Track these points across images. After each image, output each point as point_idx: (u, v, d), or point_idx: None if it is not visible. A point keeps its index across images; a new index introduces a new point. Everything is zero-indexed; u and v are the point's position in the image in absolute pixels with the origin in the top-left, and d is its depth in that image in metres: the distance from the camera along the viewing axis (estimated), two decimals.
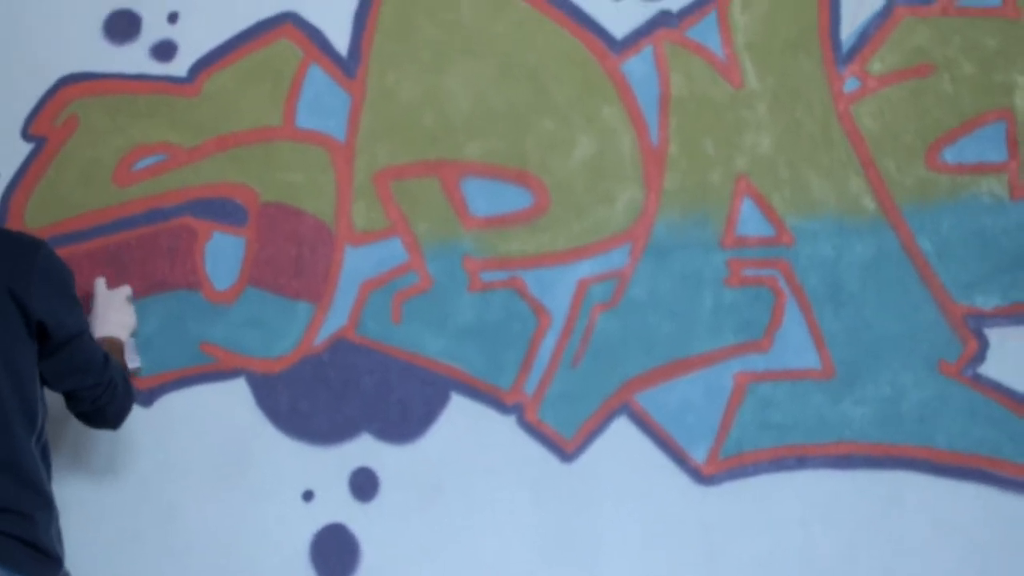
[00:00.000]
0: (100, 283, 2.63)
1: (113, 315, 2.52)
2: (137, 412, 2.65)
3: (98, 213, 2.75)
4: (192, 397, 2.68)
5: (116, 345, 2.51)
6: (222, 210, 2.72)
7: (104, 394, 2.36)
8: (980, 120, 2.70)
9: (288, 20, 2.72)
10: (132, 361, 2.62)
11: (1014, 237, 2.68)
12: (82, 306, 2.38)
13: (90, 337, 2.34)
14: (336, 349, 2.70)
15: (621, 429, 2.69)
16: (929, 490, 2.66)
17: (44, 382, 2.32)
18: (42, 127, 2.69)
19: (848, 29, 2.72)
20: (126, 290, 2.62)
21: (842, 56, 2.72)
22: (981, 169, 2.70)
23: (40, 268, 2.22)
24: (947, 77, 2.70)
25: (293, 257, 2.70)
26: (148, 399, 2.68)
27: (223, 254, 2.71)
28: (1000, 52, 2.70)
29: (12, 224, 2.67)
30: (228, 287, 2.70)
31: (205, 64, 2.73)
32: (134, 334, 2.62)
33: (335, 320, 2.70)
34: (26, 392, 2.20)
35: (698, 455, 2.68)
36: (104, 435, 2.60)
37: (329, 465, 2.68)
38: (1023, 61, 2.69)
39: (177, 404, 2.67)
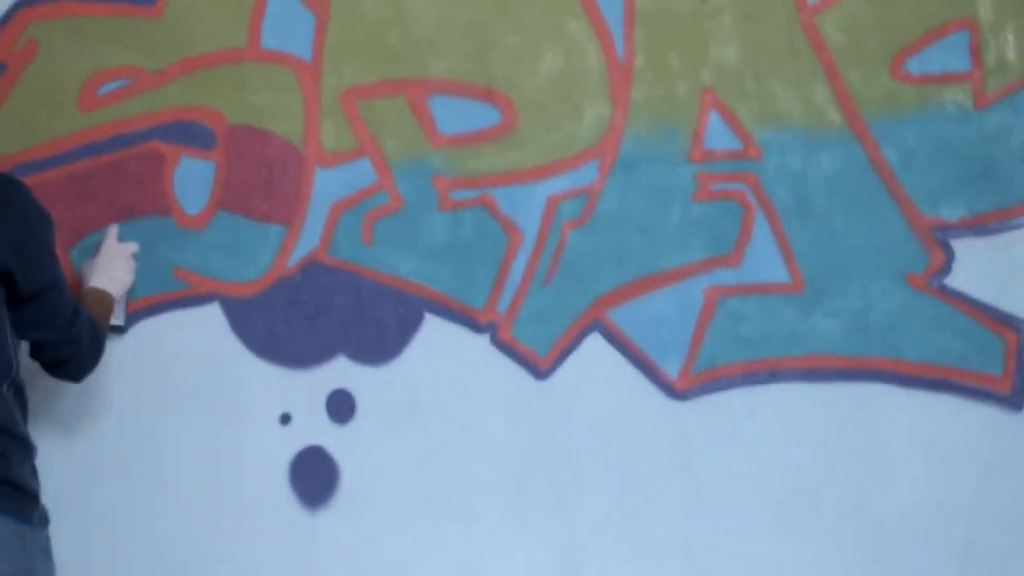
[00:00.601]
0: (111, 232, 2.62)
1: (115, 271, 2.54)
2: (112, 339, 2.69)
3: (63, 140, 2.76)
4: (166, 323, 2.69)
5: (105, 300, 2.50)
6: (189, 134, 2.73)
7: (65, 349, 2.34)
8: (943, 29, 2.73)
9: None
10: (117, 318, 2.63)
11: (978, 147, 2.73)
12: (56, 257, 2.34)
13: (59, 290, 2.30)
14: (309, 271, 2.73)
15: (594, 346, 2.74)
16: (899, 400, 2.72)
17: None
18: (0, 53, 2.67)
19: None
20: (132, 247, 2.61)
21: None
22: (945, 79, 2.74)
23: (10, 217, 2.20)
24: None
25: (263, 179, 2.72)
26: (122, 327, 2.67)
27: (192, 178, 2.72)
28: None
29: None
30: (198, 212, 2.72)
31: None
32: (128, 292, 2.63)
33: (307, 242, 2.73)
34: None
35: (671, 370, 2.73)
36: None
37: (305, 388, 2.71)
38: None
39: (151, 330, 2.69)
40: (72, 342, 2.33)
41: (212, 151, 2.73)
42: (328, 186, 2.74)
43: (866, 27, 2.75)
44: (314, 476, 2.71)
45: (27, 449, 2.26)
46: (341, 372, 2.72)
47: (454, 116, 2.75)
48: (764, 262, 2.73)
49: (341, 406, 2.72)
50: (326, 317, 2.73)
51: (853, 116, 2.75)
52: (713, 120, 2.76)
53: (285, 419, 2.70)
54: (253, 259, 2.71)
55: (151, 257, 2.69)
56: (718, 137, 2.76)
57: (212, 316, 2.71)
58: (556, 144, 2.75)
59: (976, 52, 2.74)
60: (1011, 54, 2.73)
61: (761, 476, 2.74)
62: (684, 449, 2.73)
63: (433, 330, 2.73)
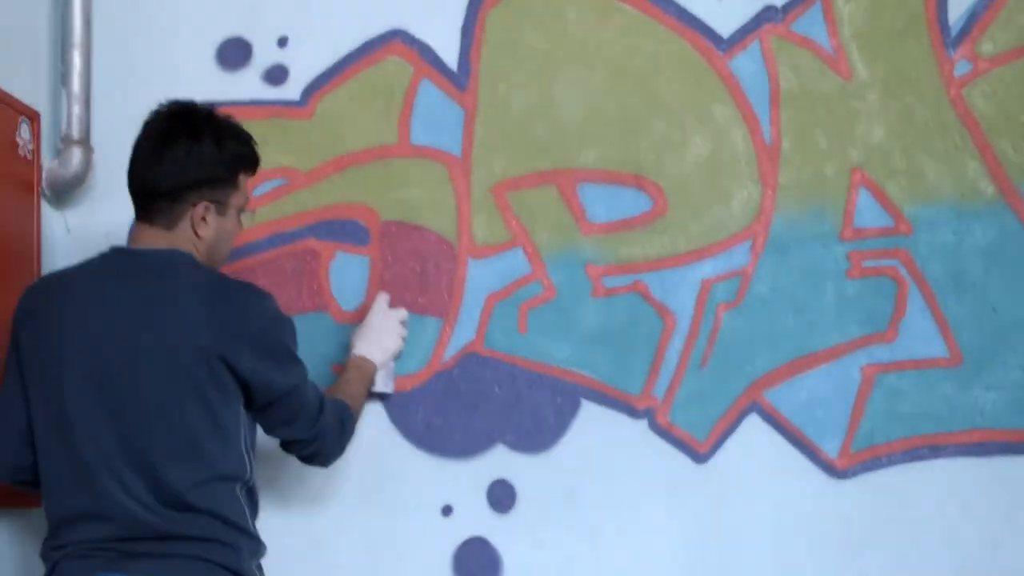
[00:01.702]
0: (381, 299, 2.77)
1: (382, 338, 2.70)
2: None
3: None
4: None
5: (365, 368, 2.67)
6: (343, 231, 2.90)
7: (309, 446, 2.46)
8: None
9: (396, 37, 2.91)
10: (384, 386, 2.80)
11: None
12: (297, 359, 2.37)
13: (301, 393, 2.39)
14: (466, 363, 2.87)
15: (752, 427, 2.84)
16: None
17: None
18: None
19: (956, 12, 2.85)
20: (402, 314, 2.77)
21: (951, 39, 2.85)
22: None
23: (252, 333, 2.29)
24: None
25: (417, 273, 2.88)
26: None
27: (348, 274, 2.90)
28: None
29: None
30: (355, 307, 2.88)
31: (317, 86, 2.92)
32: (397, 357, 2.81)
33: (463, 334, 2.88)
34: (231, 444, 2.29)
35: (830, 449, 2.82)
36: None
37: (466, 479, 2.86)
38: None
39: None
40: (316, 439, 2.44)
41: (366, 247, 2.89)
42: (482, 278, 2.88)
43: (1014, 96, 2.83)
44: (477, 566, 2.82)
45: (256, 546, 2.40)
46: (500, 462, 2.85)
47: (604, 204, 2.88)
48: (920, 337, 2.81)
49: (502, 496, 2.84)
50: (484, 408, 2.86)
51: (1006, 186, 2.83)
52: (863, 198, 2.85)
53: (447, 510, 2.83)
54: (410, 352, 2.84)
55: (309, 353, 2.69)
56: (868, 215, 2.85)
57: (372, 410, 2.82)
58: (707, 228, 2.87)
59: None
60: None
61: (927, 554, 2.79)
62: (848, 528, 2.80)
63: (590, 417, 2.85)
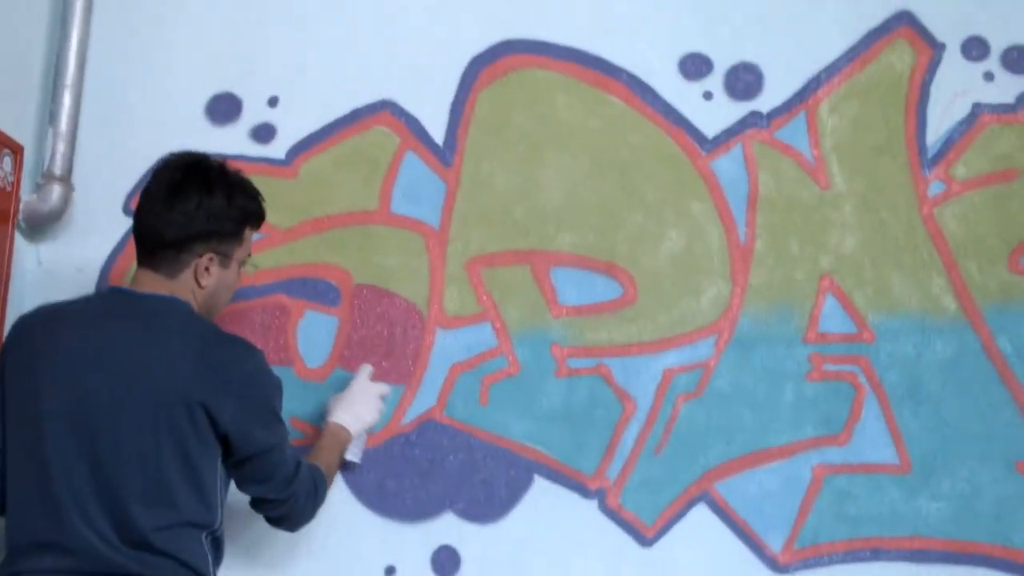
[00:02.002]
0: (365, 371, 4.44)
1: (360, 408, 4.33)
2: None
3: None
4: None
5: (341, 435, 4.27)
6: (315, 290, 4.79)
7: (281, 507, 3.90)
8: None
9: (386, 108, 4.89)
10: (352, 455, 4.38)
11: None
12: (280, 420, 3.85)
13: (279, 452, 3.78)
14: (424, 429, 4.71)
15: (700, 516, 4.66)
16: None
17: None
18: None
19: (934, 134, 4.81)
20: (383, 388, 4.41)
21: (927, 160, 4.78)
22: None
23: (237, 385, 3.65)
24: None
25: (384, 337, 4.75)
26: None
27: (315, 332, 4.77)
28: None
29: None
30: (319, 365, 4.76)
31: (303, 147, 4.89)
32: (370, 430, 4.44)
33: (424, 400, 4.72)
34: (204, 494, 3.63)
35: (775, 544, 4.66)
36: None
37: (412, 542, 4.67)
38: None
39: None
40: (289, 499, 3.86)
41: (336, 307, 4.77)
42: (448, 347, 4.74)
43: (985, 220, 4.73)
44: None
45: None
46: (449, 528, 4.68)
47: (575, 288, 4.76)
48: (872, 443, 4.66)
49: (446, 562, 4.68)
50: (437, 474, 4.68)
51: (969, 305, 4.70)
52: (829, 304, 4.73)
53: (390, 571, 4.66)
54: None
55: None
56: (833, 320, 4.73)
57: None
58: (674, 319, 4.75)
59: None
60: None
61: None
62: None
63: (542, 493, 4.67)
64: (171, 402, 3.60)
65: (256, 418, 3.77)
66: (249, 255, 4.05)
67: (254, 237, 4.39)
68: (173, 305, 3.77)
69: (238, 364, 3.78)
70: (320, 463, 4.14)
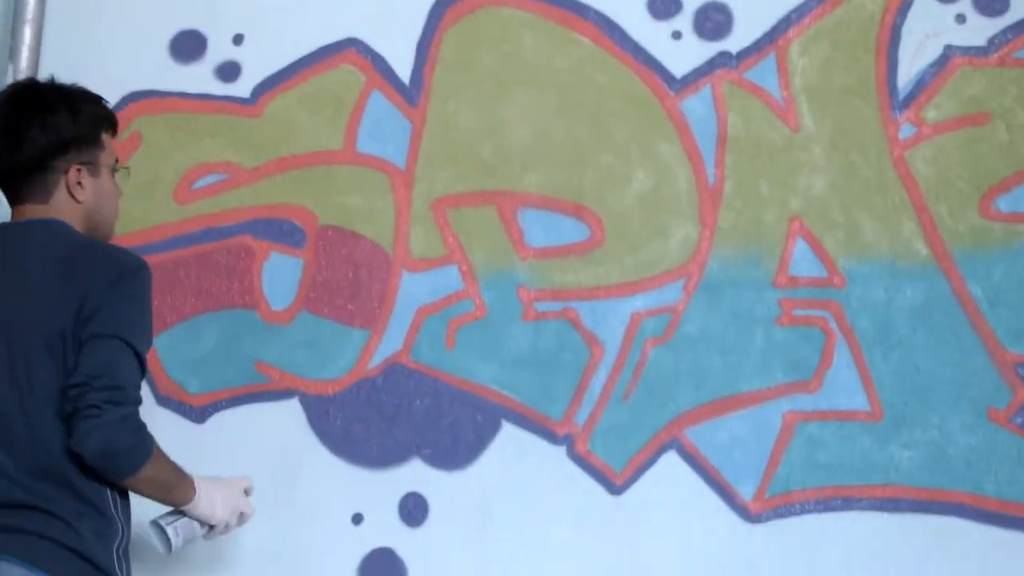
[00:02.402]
0: (244, 482, 3.79)
1: (217, 493, 3.63)
2: (190, 428, 4.30)
3: (156, 229, 4.44)
4: (245, 416, 4.40)
5: (188, 488, 3.57)
6: (280, 231, 4.46)
7: (82, 398, 3.29)
8: None
9: (351, 46, 4.53)
10: (172, 524, 3.56)
11: None
12: (146, 328, 3.47)
13: (121, 351, 3.37)
14: (390, 373, 4.41)
15: (670, 464, 4.36)
16: (975, 536, 4.30)
17: None
18: None
19: (905, 76, 4.47)
20: (245, 483, 3.77)
21: (898, 102, 4.45)
22: None
23: (117, 282, 3.39)
24: (1002, 126, 4.41)
25: (350, 280, 4.41)
26: (201, 416, 4.36)
27: (280, 275, 4.45)
28: None
29: None
30: (284, 308, 4.43)
31: (268, 86, 4.54)
32: (206, 532, 3.67)
33: (390, 344, 4.41)
34: None
35: (745, 492, 4.35)
36: None
37: (379, 489, 4.36)
38: None
39: (230, 422, 4.39)
40: (101, 408, 3.30)
41: (301, 249, 4.44)
42: (414, 291, 4.42)
43: (956, 164, 4.40)
44: None
45: (110, 529, 3.43)
46: (416, 475, 4.37)
47: (543, 230, 4.44)
48: (844, 389, 4.35)
49: (414, 509, 4.36)
50: (404, 420, 4.37)
51: (940, 250, 4.37)
52: (799, 248, 4.41)
53: (357, 519, 4.36)
54: (335, 358, 4.41)
55: (234, 349, 4.40)
56: (803, 264, 4.41)
57: (291, 411, 4.39)
58: (642, 262, 4.43)
59: None
60: None
61: None
62: (755, 571, 4.32)
63: (509, 439, 4.37)
64: (56, 314, 3.42)
65: (119, 300, 3.46)
66: (117, 160, 3.72)
67: (216, 177, 4.42)
68: (44, 225, 3.55)
69: (123, 268, 3.56)
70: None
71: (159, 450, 3.48)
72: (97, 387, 3.33)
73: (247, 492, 3.81)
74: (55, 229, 3.50)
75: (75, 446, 3.31)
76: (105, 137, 3.65)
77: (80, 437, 3.31)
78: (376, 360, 4.52)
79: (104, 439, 3.32)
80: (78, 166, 3.57)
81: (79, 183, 3.57)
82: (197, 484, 3.61)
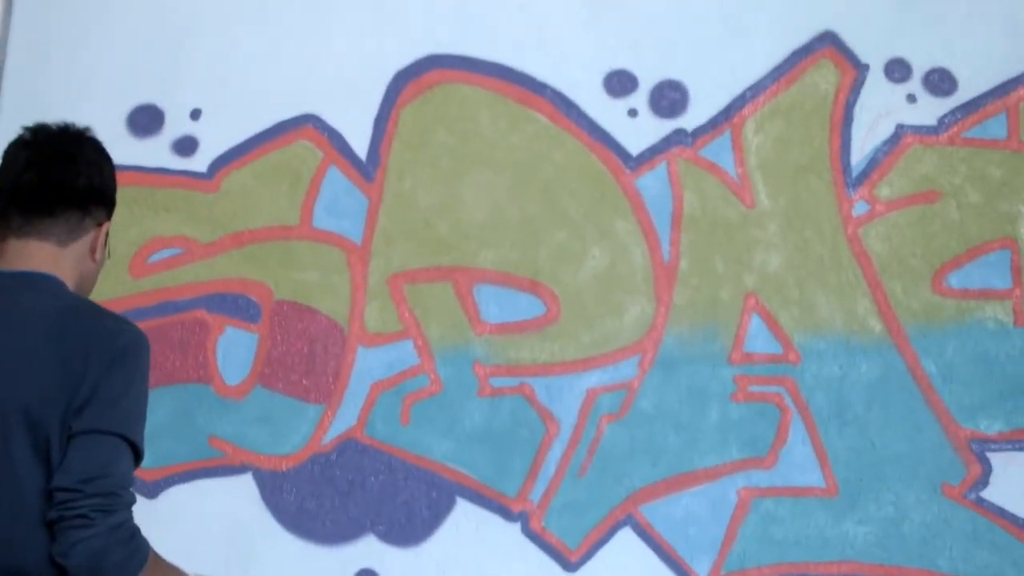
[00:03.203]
0: None
1: None
2: (142, 504, 3.90)
3: (111, 303, 3.94)
4: (198, 491, 3.82)
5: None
6: (235, 306, 3.91)
7: (69, 505, 2.43)
8: (985, 248, 3.92)
9: (309, 122, 3.99)
10: None
11: (1018, 363, 3.86)
12: (144, 413, 2.57)
13: (120, 448, 2.51)
14: (344, 449, 3.85)
15: (625, 540, 3.82)
16: None
17: None
18: None
19: (858, 154, 3.98)
20: None
21: (852, 180, 3.95)
22: (986, 295, 3.89)
23: (116, 362, 2.51)
24: (953, 204, 3.93)
25: (305, 355, 3.87)
26: (154, 491, 3.78)
27: (235, 349, 3.89)
28: (1005, 182, 3.93)
29: None
30: (239, 382, 3.87)
31: (225, 161, 3.99)
32: None
33: (344, 420, 3.86)
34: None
35: (701, 569, 3.80)
36: None
37: (333, 565, 3.80)
38: None
39: (183, 498, 3.81)
40: (97, 517, 2.45)
41: (256, 324, 3.89)
42: (369, 366, 3.87)
43: (909, 241, 3.92)
44: None
45: None
46: (370, 552, 3.80)
47: (498, 306, 3.91)
48: (799, 465, 3.83)
49: None
50: (358, 496, 3.81)
51: (894, 326, 3.88)
52: (755, 324, 3.90)
53: None
54: (290, 433, 3.85)
55: (188, 424, 3.82)
56: (759, 340, 3.90)
57: (245, 487, 3.83)
58: (597, 339, 3.90)
59: (1017, 271, 3.91)
60: None
61: None
62: None
63: (464, 515, 3.82)
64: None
65: (123, 388, 2.60)
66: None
67: (172, 252, 3.97)
68: (37, 283, 2.64)
69: (110, 338, 2.63)
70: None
71: (156, 557, 2.68)
72: (88, 493, 2.51)
73: None
74: (53, 288, 2.63)
75: (59, 557, 2.48)
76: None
77: (65, 548, 2.48)
78: (330, 435, 3.96)
79: (92, 553, 2.49)
80: (107, 225, 2.73)
81: (103, 242, 2.72)
82: None
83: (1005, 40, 4.06)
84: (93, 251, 2.72)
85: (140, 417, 2.65)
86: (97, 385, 2.57)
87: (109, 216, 2.76)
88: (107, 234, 2.74)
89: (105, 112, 4.12)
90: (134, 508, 2.68)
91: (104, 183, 2.75)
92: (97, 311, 2.67)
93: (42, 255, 2.66)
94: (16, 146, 2.75)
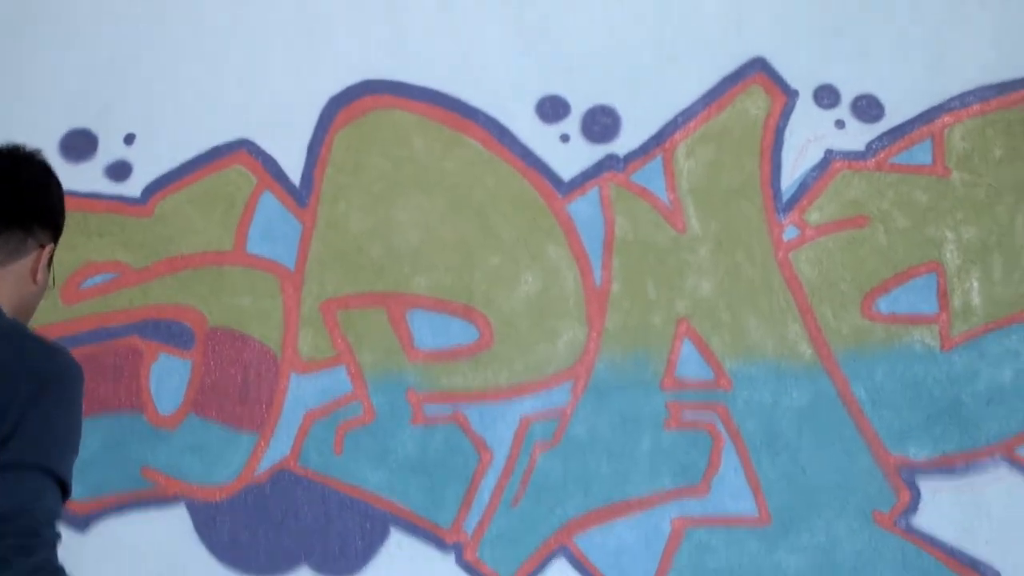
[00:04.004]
0: None
1: None
2: (72, 537, 3.30)
3: (44, 329, 3.46)
4: (131, 523, 3.14)
5: None
6: (169, 332, 3.18)
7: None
8: (912, 272, 3.29)
9: (243, 147, 3.29)
10: None
11: (945, 388, 3.21)
12: (74, 445, 2.02)
13: (43, 483, 2.00)
14: (278, 479, 3.15)
15: (559, 571, 3.17)
16: None
17: None
18: None
19: (788, 179, 3.35)
20: None
21: (782, 205, 3.32)
22: (913, 320, 3.25)
23: (43, 391, 1.96)
24: (881, 229, 3.28)
25: (238, 383, 3.16)
26: (84, 524, 3.06)
27: (168, 377, 3.18)
28: (931, 207, 3.30)
29: None
30: (172, 411, 3.16)
31: (159, 186, 3.29)
32: None
33: (278, 449, 3.17)
34: None
35: None
36: None
37: None
38: (952, 217, 3.32)
39: (115, 530, 3.13)
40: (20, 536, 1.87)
41: (190, 351, 3.18)
42: (302, 393, 3.20)
43: (838, 265, 3.28)
44: None
45: None
46: None
47: (432, 332, 3.22)
48: (732, 494, 3.19)
49: None
50: (292, 526, 3.13)
51: (824, 351, 3.23)
52: (686, 349, 3.23)
53: None
54: (223, 463, 3.15)
55: (120, 454, 3.11)
56: (690, 366, 3.24)
57: (178, 518, 3.14)
58: (530, 364, 3.23)
59: (943, 296, 3.27)
60: (976, 299, 3.27)
61: None
62: None
63: (398, 546, 3.17)
64: None
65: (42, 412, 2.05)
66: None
67: (105, 277, 3.49)
68: None
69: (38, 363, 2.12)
70: None
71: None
72: (6, 532, 2.01)
73: None
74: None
75: None
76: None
77: None
78: (264, 465, 3.31)
79: None
80: (52, 247, 2.26)
81: (46, 264, 2.26)
82: None
83: (930, 68, 3.44)
84: (34, 273, 2.28)
85: (69, 449, 2.18)
86: (23, 415, 2.11)
87: (54, 239, 2.30)
88: (51, 257, 2.30)
89: (38, 137, 3.21)
90: (62, 544, 2.06)
91: (49, 204, 2.33)
92: (26, 336, 2.22)
93: None
94: None
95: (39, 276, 2.30)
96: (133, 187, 3.45)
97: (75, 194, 3.34)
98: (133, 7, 3.47)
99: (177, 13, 3.46)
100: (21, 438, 2.13)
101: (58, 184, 2.36)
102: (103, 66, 3.49)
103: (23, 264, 2.29)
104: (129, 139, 3.45)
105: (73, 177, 3.37)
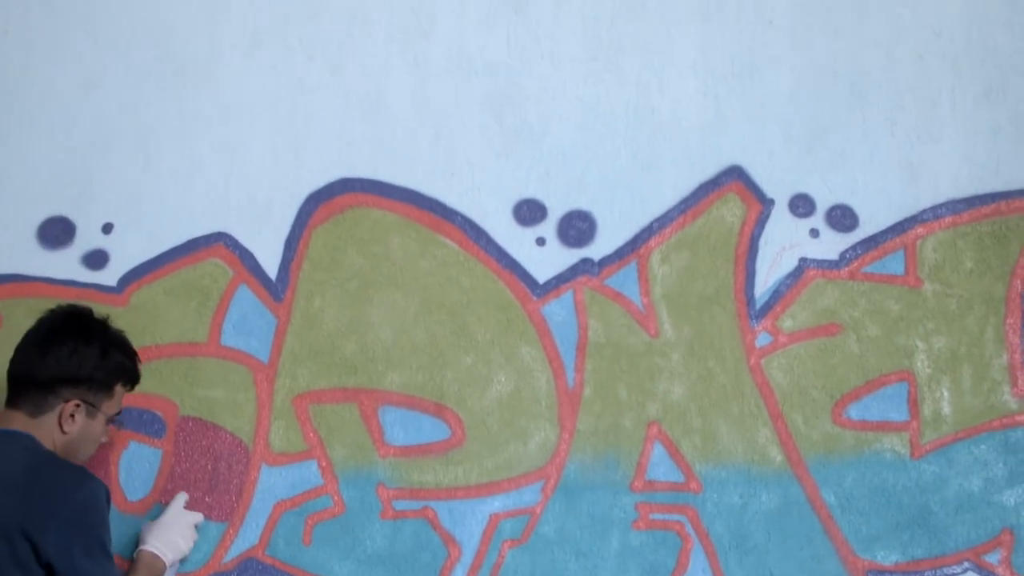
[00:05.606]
0: (180, 499, 3.81)
1: (173, 535, 3.69)
2: None
3: None
4: None
5: (156, 565, 3.63)
6: (140, 420, 3.92)
7: None
8: (883, 380, 4.03)
9: (220, 240, 4.05)
10: None
11: (914, 495, 3.95)
12: (110, 557, 3.38)
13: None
14: (245, 568, 3.86)
15: None
16: None
17: None
18: None
19: (762, 286, 4.10)
20: (197, 517, 3.80)
21: (755, 312, 4.07)
22: (884, 427, 4.00)
23: (64, 513, 3.25)
24: (853, 337, 4.05)
25: (208, 472, 3.89)
26: None
27: (139, 464, 3.91)
28: (902, 317, 4.06)
29: None
30: (140, 498, 3.88)
31: (135, 276, 4.04)
32: (183, 559, 3.77)
33: (246, 538, 3.88)
34: None
35: None
36: None
37: None
38: (923, 327, 4.06)
39: None
40: None
41: (161, 440, 3.92)
42: (273, 485, 3.91)
43: (810, 372, 4.03)
44: None
45: None
46: None
47: (403, 428, 3.97)
48: None
49: None
50: None
51: (794, 456, 3.97)
52: (657, 452, 3.97)
53: None
54: (191, 551, 3.83)
55: None
56: (661, 468, 3.97)
57: None
58: (501, 463, 3.96)
59: (914, 404, 4.02)
60: (946, 408, 4.02)
61: None
62: None
63: None
64: None
65: (81, 548, 3.30)
66: (119, 413, 3.64)
67: None
68: (16, 438, 3.40)
69: (67, 491, 3.31)
70: None
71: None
72: None
73: (185, 504, 3.94)
74: (26, 443, 3.42)
75: None
76: (119, 388, 3.59)
77: None
78: (232, 554, 3.98)
79: None
80: (78, 402, 3.48)
81: (72, 416, 3.47)
82: (158, 560, 3.79)
83: (903, 181, 4.22)
84: (60, 425, 3.45)
85: (102, 555, 3.41)
86: (59, 539, 3.33)
87: (90, 391, 3.54)
88: (89, 405, 3.54)
89: (15, 223, 4.15)
90: None
91: (77, 367, 3.50)
92: (60, 464, 3.42)
93: (19, 421, 3.44)
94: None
95: (67, 428, 3.48)
96: (109, 276, 4.16)
97: (51, 281, 4.11)
98: (114, 97, 4.26)
99: (159, 105, 4.23)
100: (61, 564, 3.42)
101: (96, 343, 3.62)
102: (83, 154, 4.21)
103: (49, 417, 3.48)
104: (107, 228, 4.17)
105: (49, 264, 4.15)
